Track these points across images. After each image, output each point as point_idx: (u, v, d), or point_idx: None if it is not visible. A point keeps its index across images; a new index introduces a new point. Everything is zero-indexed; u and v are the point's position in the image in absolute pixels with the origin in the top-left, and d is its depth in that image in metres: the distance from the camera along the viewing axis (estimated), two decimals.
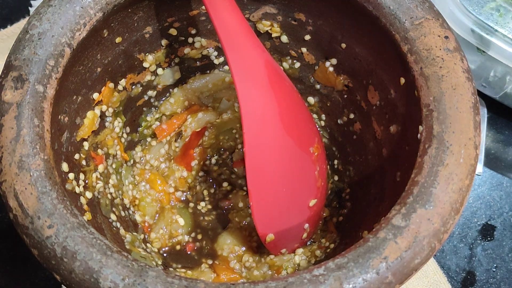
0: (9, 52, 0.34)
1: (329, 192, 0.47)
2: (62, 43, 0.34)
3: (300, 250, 0.44)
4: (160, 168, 0.48)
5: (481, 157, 0.55)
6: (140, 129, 0.47)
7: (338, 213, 0.46)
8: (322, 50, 0.44)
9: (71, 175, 0.37)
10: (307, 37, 0.44)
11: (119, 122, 0.44)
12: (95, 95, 0.40)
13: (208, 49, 0.46)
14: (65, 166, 0.36)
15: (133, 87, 0.44)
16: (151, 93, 0.46)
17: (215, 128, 0.49)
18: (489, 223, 0.52)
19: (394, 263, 0.28)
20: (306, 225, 0.44)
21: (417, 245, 0.29)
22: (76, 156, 0.39)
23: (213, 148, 0.50)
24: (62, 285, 0.30)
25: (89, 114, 0.40)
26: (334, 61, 0.44)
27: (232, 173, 0.49)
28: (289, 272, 0.42)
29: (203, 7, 0.43)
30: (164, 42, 0.44)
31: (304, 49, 0.45)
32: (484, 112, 0.56)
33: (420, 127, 0.33)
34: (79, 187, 0.38)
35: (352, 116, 0.45)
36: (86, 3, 0.35)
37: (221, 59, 0.47)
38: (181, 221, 0.46)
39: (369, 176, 0.43)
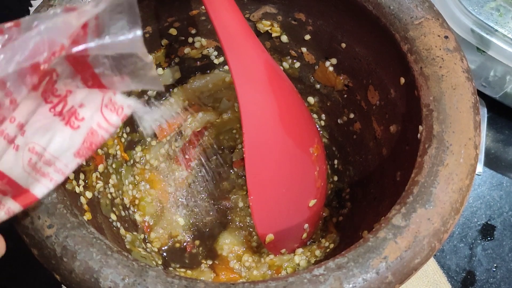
0: None
1: (329, 192, 0.47)
2: None
3: (300, 250, 0.44)
4: (160, 168, 0.48)
5: (481, 157, 0.55)
6: (140, 128, 0.47)
7: (338, 213, 0.46)
8: (322, 50, 0.44)
9: (71, 175, 0.37)
10: (307, 37, 0.44)
11: None
12: None
13: (208, 49, 0.46)
14: None
15: None
16: (151, 93, 0.46)
17: (215, 128, 0.49)
18: (489, 223, 0.52)
19: (394, 263, 0.28)
20: (306, 225, 0.44)
21: (417, 245, 0.29)
22: None
23: (213, 148, 0.50)
24: (62, 285, 0.29)
25: None
26: (334, 61, 0.44)
27: (232, 173, 0.49)
28: (289, 272, 0.42)
29: (203, 7, 0.43)
30: (164, 42, 0.44)
31: (304, 49, 0.45)
32: (484, 112, 0.56)
33: (420, 127, 0.33)
34: (79, 187, 0.38)
35: (352, 116, 0.45)
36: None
37: (221, 59, 0.47)
38: (181, 221, 0.46)
39: (369, 176, 0.43)
